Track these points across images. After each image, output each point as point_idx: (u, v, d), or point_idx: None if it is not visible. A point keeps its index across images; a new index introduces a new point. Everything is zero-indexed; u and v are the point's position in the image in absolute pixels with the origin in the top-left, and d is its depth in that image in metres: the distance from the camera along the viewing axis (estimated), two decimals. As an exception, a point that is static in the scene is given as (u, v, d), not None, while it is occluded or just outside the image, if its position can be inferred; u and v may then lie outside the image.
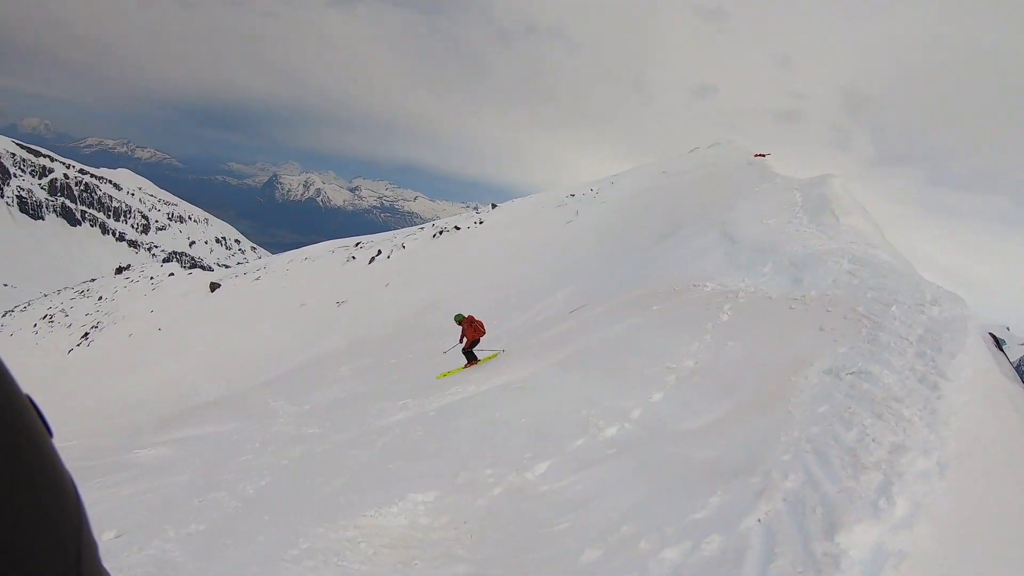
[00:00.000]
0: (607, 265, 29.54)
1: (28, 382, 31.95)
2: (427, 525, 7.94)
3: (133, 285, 58.91)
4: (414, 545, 7.63)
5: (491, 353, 17.82)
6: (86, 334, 49.21)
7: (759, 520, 5.84)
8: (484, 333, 17.62)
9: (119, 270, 71.09)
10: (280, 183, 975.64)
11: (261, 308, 42.89)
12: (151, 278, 59.81)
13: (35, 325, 55.95)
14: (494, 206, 55.88)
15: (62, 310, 57.45)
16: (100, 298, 57.46)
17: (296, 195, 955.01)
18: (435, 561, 7.16)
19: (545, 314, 23.52)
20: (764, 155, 46.16)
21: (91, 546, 0.88)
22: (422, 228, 55.82)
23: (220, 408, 22.90)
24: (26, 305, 65.46)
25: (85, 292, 61.91)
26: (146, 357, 40.66)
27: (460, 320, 17.94)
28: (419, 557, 7.32)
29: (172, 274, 60.64)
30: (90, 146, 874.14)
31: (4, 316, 62.34)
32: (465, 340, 17.74)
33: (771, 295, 14.87)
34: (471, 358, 17.65)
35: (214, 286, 50.05)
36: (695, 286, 17.03)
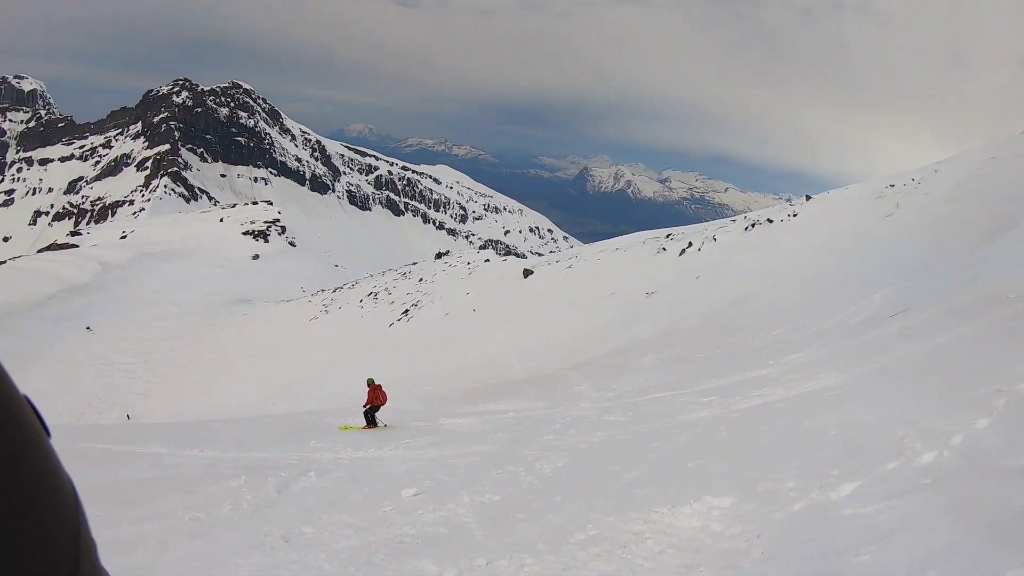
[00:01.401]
0: (931, 264, 26.23)
1: (351, 351, 34.52)
2: (719, 532, 7.39)
3: (451, 269, 62.75)
4: (702, 550, 7.16)
5: (383, 424, 18.88)
6: (406, 311, 52.92)
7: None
8: (384, 403, 19.24)
9: (438, 255, 76.03)
10: (591, 175, 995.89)
11: (572, 295, 43.45)
12: (468, 263, 63.38)
13: (361, 301, 61.12)
14: (808, 198, 52.63)
15: (386, 289, 62.35)
16: (420, 280, 61.68)
17: (607, 187, 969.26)
18: (721, 571, 6.67)
19: (861, 316, 21.20)
20: None
21: (89, 547, 0.89)
22: (733, 220, 53.89)
23: (527, 387, 23.32)
24: (354, 283, 72.14)
25: (407, 274, 66.87)
26: (460, 335, 42.81)
27: (370, 383, 19.55)
28: (705, 564, 6.85)
29: (488, 260, 63.77)
30: (411, 145, 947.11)
31: (335, 292, 68.99)
32: (367, 402, 19.35)
33: None
34: (370, 420, 19.09)
35: (527, 272, 51.70)
36: (1036, 294, 14.45)
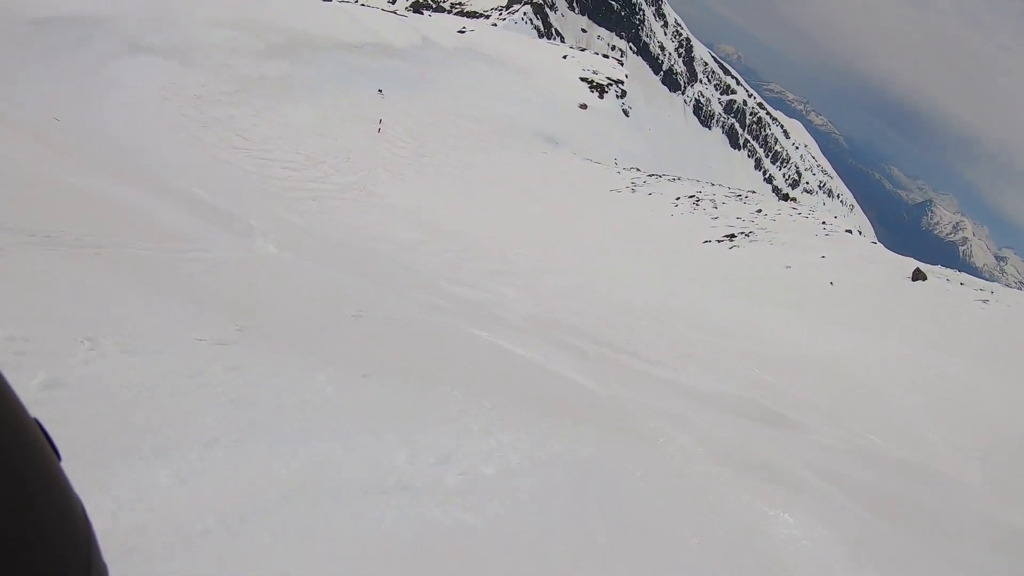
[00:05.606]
0: None
1: (643, 244, 22.69)
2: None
3: (800, 219, 49.69)
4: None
5: None
6: (731, 236, 41.31)
7: None
8: None
9: (785, 197, 63.47)
10: (931, 211, 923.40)
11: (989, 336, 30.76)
12: (823, 223, 49.82)
13: (677, 198, 50.71)
14: None
15: (712, 200, 51.05)
16: (759, 211, 49.64)
17: (941, 231, 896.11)
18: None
19: None
20: None
21: (100, 571, 0.92)
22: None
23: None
24: (676, 178, 61.22)
25: (743, 197, 54.86)
26: (791, 300, 30.99)
27: None
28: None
29: (850, 232, 50.11)
30: (771, 90, 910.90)
31: (650, 176, 58.76)
32: None
33: None
34: None
35: (919, 276, 37.58)
36: None
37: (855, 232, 52.01)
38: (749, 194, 58.68)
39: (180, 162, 24.87)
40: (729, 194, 56.01)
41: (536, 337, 12.14)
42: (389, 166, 40.47)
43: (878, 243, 51.11)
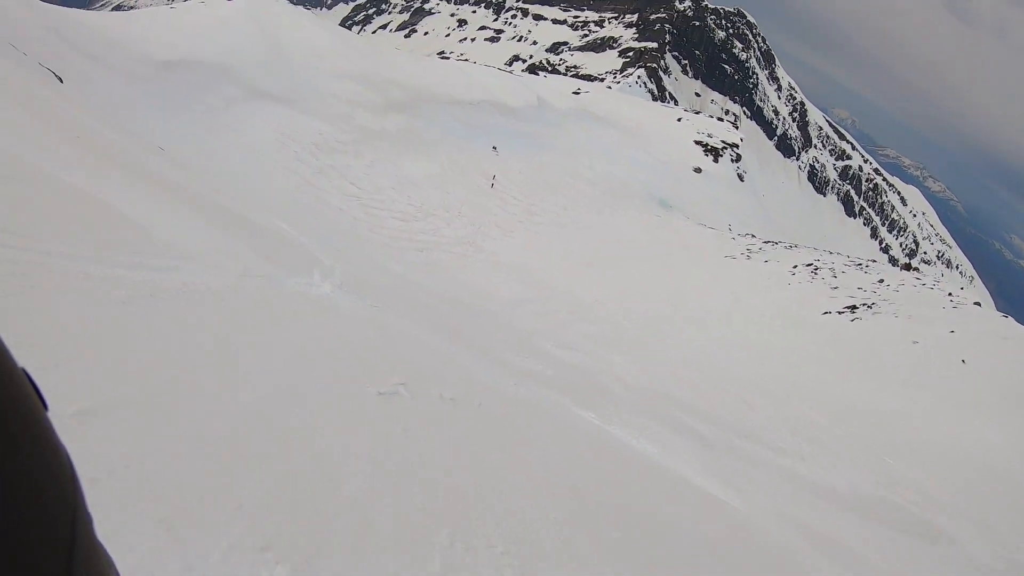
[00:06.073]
0: None
1: (751, 313, 23.35)
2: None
3: (924, 289, 46.86)
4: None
5: None
6: (853, 307, 39.06)
7: None
8: None
9: (907, 267, 60.39)
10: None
11: None
12: (949, 295, 46.75)
13: (795, 267, 48.51)
14: None
15: (831, 269, 48.72)
16: (880, 280, 46.97)
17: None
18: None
19: None
20: None
21: (86, 521, 0.90)
22: None
23: None
24: (792, 245, 58.94)
25: (864, 266, 52.23)
26: (927, 379, 28.36)
27: None
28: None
29: (978, 303, 46.87)
30: (887, 156, 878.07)
31: (766, 243, 57.09)
32: None
33: None
34: None
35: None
36: None
37: (981, 305, 48.62)
38: (870, 263, 55.96)
39: (282, 199, 24.58)
40: (848, 263, 53.51)
41: (649, 416, 10.88)
42: (500, 222, 39.81)
43: (1009, 317, 47.56)
